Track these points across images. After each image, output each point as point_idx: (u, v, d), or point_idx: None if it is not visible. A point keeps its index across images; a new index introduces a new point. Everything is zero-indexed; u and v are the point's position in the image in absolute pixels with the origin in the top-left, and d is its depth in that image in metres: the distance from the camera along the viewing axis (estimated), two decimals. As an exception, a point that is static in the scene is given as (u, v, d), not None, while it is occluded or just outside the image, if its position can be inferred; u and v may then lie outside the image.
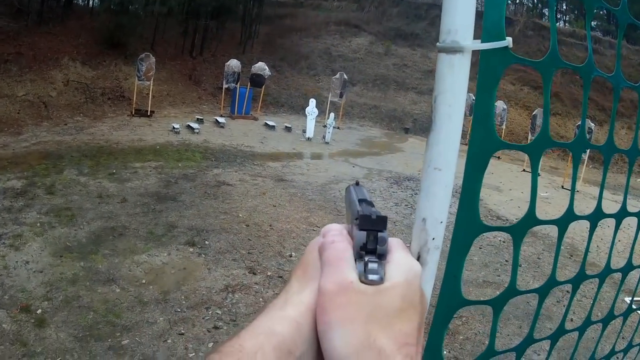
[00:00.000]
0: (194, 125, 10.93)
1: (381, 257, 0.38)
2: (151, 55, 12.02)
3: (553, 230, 7.42)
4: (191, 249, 5.49)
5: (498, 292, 0.79)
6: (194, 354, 3.77)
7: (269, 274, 5.06)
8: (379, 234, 0.38)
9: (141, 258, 5.18)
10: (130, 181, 7.58)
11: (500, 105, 14.66)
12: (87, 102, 12.05)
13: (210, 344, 3.88)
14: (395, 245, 0.40)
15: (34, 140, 9.37)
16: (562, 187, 11.70)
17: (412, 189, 8.98)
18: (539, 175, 12.50)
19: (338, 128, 13.97)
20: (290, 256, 5.50)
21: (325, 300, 0.37)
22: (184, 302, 4.43)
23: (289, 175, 8.65)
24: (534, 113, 13.61)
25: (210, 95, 15.05)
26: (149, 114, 11.93)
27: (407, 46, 20.20)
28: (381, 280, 0.37)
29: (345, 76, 14.36)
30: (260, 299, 4.62)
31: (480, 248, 6.60)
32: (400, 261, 0.39)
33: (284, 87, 16.89)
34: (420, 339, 0.38)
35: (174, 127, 10.72)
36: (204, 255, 5.36)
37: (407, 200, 8.17)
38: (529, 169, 12.98)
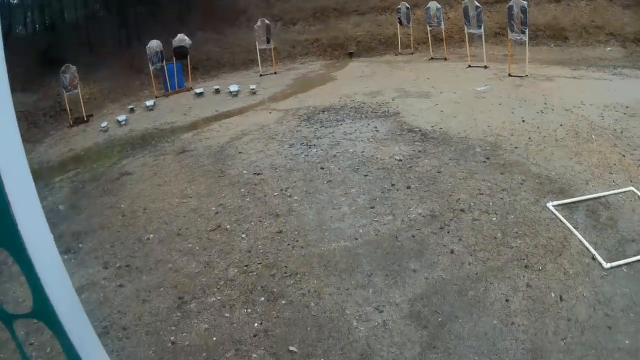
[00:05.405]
0: (121, 117, 10.97)
1: None
2: (70, 65, 12.06)
3: (474, 132, 7.09)
4: (65, 257, 5.69)
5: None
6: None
7: (118, 265, 5.17)
8: None
9: (22, 279, 5.47)
10: (45, 199, 7.85)
11: (433, 5, 12.99)
12: (29, 129, 12.41)
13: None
14: None
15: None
16: (509, 74, 10.51)
17: (322, 121, 8.55)
18: (486, 67, 11.22)
19: (275, 73, 13.76)
20: (148, 239, 5.55)
21: None
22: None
23: (194, 143, 8.51)
24: (464, 4, 11.76)
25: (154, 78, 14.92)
26: (85, 119, 12.10)
27: (343, -32, 18.54)
28: None
29: (267, 21, 13.84)
30: (102, 295, 4.77)
31: (365, 176, 6.13)
32: None
33: (226, 47, 16.33)
34: None
35: (102, 126, 10.83)
36: (73, 260, 5.54)
37: (307, 138, 7.77)
38: (474, 64, 11.84)
